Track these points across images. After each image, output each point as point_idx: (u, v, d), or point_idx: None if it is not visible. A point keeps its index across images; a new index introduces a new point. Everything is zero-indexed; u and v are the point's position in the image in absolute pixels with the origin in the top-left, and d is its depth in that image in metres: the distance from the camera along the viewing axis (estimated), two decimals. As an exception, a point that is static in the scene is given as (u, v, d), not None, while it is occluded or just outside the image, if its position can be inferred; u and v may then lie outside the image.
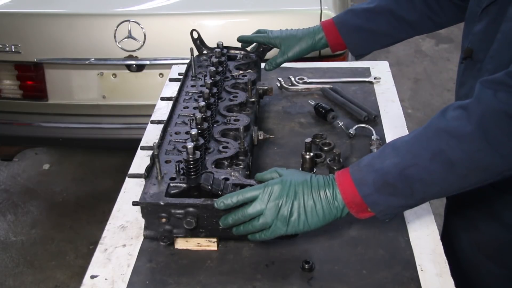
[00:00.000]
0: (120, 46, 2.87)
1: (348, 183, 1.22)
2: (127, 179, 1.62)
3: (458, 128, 1.12)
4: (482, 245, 1.56)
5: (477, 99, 1.13)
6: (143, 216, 1.33)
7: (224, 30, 2.87)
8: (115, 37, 2.86)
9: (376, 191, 1.20)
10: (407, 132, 1.82)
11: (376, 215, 1.24)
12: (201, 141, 1.43)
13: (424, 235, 1.41)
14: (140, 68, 2.93)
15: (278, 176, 1.30)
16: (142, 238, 1.41)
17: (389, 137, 1.78)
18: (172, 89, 2.07)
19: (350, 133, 1.78)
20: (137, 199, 1.32)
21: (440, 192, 1.20)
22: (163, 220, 1.31)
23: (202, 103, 1.58)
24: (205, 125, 1.52)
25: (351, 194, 1.22)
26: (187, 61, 1.91)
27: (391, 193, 1.19)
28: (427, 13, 1.77)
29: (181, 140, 1.53)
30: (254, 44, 1.99)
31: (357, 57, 1.93)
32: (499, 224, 1.49)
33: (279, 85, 2.09)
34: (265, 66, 1.95)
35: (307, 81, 2.11)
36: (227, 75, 1.88)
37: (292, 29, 1.91)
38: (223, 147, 1.51)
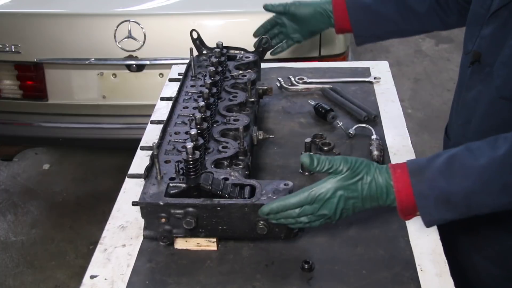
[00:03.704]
0: (120, 46, 2.87)
1: (407, 193, 1.21)
2: (127, 179, 1.62)
3: None
4: (482, 247, 1.55)
5: None
6: (143, 216, 1.33)
7: (224, 30, 2.87)
8: (115, 37, 2.86)
9: (435, 206, 1.20)
10: (407, 132, 1.82)
11: (422, 221, 1.25)
12: (201, 141, 1.43)
13: (424, 235, 1.41)
14: (140, 68, 2.92)
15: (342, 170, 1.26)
16: (141, 238, 1.41)
17: (389, 137, 1.78)
18: (172, 89, 2.07)
19: (350, 133, 1.78)
20: (137, 199, 1.32)
21: (490, 211, 1.21)
22: (163, 220, 1.31)
23: (202, 103, 1.58)
24: (205, 125, 1.52)
25: (406, 202, 1.22)
26: (187, 61, 1.92)
27: (449, 209, 1.20)
28: (435, 8, 1.78)
29: (180, 140, 1.53)
30: (256, 40, 2.01)
31: (358, 41, 1.92)
32: (499, 227, 1.49)
33: (279, 85, 2.09)
34: (265, 6, 1.98)
35: (307, 81, 2.11)
36: (226, 75, 1.88)
37: None
38: (223, 147, 1.51)
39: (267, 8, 1.99)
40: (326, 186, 1.23)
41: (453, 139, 1.63)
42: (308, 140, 1.60)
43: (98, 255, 1.39)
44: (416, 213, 1.24)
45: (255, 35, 2.02)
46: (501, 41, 1.35)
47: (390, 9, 1.81)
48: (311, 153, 1.27)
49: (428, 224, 1.25)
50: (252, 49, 2.01)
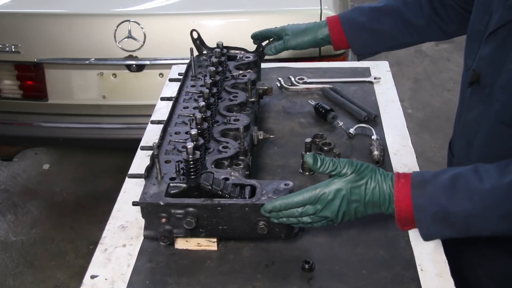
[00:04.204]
0: (120, 46, 2.87)
1: (406, 204, 1.20)
2: (127, 179, 1.62)
3: None
4: (483, 264, 1.51)
5: None
6: (143, 216, 1.33)
7: (224, 30, 2.87)
8: (115, 37, 2.86)
9: (433, 221, 1.19)
10: (407, 132, 1.82)
11: (420, 234, 1.24)
12: (201, 141, 1.44)
13: (424, 235, 1.41)
14: (140, 68, 2.92)
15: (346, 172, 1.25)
16: (142, 238, 1.41)
17: (389, 137, 1.78)
18: (172, 89, 2.07)
19: (350, 133, 1.78)
20: (137, 199, 1.32)
21: (490, 235, 1.20)
22: (163, 220, 1.31)
23: (202, 103, 1.58)
24: (205, 125, 1.52)
25: (405, 213, 1.21)
26: (187, 61, 1.92)
27: (447, 227, 1.19)
28: (434, 19, 1.74)
29: (181, 140, 1.53)
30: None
31: (359, 57, 1.92)
32: (501, 249, 1.43)
33: (279, 85, 2.09)
34: (266, 50, 1.94)
35: (307, 81, 2.11)
36: (227, 75, 1.88)
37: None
38: (223, 147, 1.51)
39: (268, 53, 1.94)
40: (329, 187, 1.23)
41: (457, 157, 1.59)
42: (308, 140, 1.60)
43: (98, 255, 1.39)
44: (415, 225, 1.22)
45: (253, 37, 2.00)
46: (500, 63, 1.30)
47: (387, 25, 1.78)
48: (315, 153, 1.26)
49: (425, 238, 1.24)
50: (252, 49, 2.02)
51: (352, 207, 1.24)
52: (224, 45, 1.97)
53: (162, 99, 1.99)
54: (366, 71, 2.18)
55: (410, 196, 1.20)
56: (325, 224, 1.28)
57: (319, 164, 1.24)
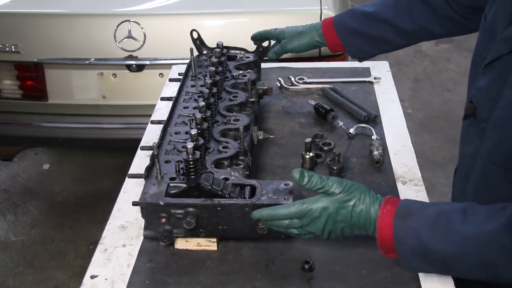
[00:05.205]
0: (120, 46, 2.87)
1: (388, 233, 1.18)
2: (127, 179, 1.62)
3: None
4: None
5: None
6: (143, 216, 1.33)
7: (224, 30, 2.87)
8: (115, 37, 2.86)
9: (412, 255, 1.17)
10: (407, 132, 1.82)
11: (403, 266, 1.22)
12: (201, 141, 1.44)
13: (424, 235, 1.40)
14: (140, 68, 2.92)
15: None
16: (142, 238, 1.41)
17: (389, 137, 1.78)
18: (172, 89, 2.07)
19: (350, 133, 1.78)
20: (137, 199, 1.32)
21: (473, 279, 1.17)
22: (163, 220, 1.32)
23: (202, 103, 1.58)
24: (205, 125, 1.52)
25: (386, 241, 1.19)
26: (187, 61, 1.92)
27: (426, 263, 1.17)
28: (425, 25, 1.73)
29: (181, 140, 1.53)
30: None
31: (359, 60, 1.92)
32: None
33: (279, 85, 2.09)
34: (268, 55, 1.95)
35: (307, 81, 2.11)
36: (227, 75, 1.88)
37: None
38: (223, 147, 1.51)
39: (269, 57, 1.95)
40: (316, 204, 1.22)
41: (456, 188, 1.54)
42: (308, 140, 1.60)
43: (98, 255, 1.39)
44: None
45: (253, 38, 2.00)
46: (494, 97, 1.24)
47: (378, 31, 1.77)
48: (304, 169, 1.25)
49: (408, 269, 1.23)
50: (252, 49, 2.02)
51: (338, 227, 1.23)
52: (224, 45, 1.97)
53: (162, 99, 1.99)
54: (366, 71, 2.18)
55: (392, 226, 1.18)
56: (312, 238, 1.27)
57: (305, 181, 1.23)
